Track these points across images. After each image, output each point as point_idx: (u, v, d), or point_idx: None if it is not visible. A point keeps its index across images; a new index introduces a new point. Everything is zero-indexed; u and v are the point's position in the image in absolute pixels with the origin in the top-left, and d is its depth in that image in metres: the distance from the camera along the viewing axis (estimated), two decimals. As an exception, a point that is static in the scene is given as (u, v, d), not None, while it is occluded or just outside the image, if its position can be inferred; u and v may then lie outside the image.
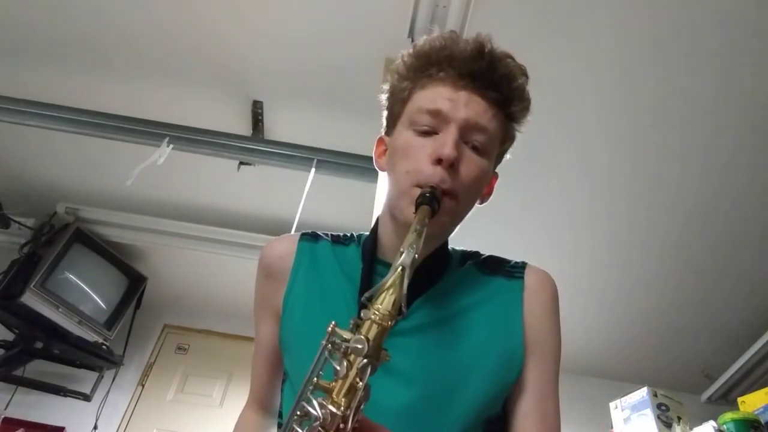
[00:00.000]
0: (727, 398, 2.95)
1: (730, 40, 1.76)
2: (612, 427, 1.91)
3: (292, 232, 2.17)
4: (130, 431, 3.13)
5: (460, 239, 0.83)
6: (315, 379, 0.52)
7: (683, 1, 1.69)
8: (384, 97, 0.84)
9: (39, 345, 2.88)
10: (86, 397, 3.00)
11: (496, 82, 0.75)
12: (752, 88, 1.89)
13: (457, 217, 0.77)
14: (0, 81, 2.27)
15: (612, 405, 1.94)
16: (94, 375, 3.09)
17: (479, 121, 0.74)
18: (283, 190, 2.57)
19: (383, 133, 0.85)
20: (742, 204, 2.30)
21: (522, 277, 0.81)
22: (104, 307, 2.93)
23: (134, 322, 3.21)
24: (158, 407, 3.24)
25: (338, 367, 0.51)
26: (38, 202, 2.85)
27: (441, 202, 0.69)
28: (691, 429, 1.69)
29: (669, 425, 1.73)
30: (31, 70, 2.26)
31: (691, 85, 1.91)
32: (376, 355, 0.51)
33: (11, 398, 2.96)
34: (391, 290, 0.54)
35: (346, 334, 0.52)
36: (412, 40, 1.80)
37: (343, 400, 0.50)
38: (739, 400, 1.72)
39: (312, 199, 2.20)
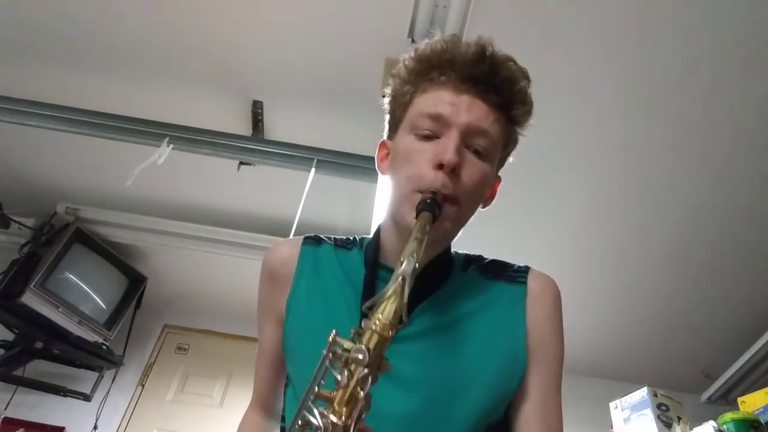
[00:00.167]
0: (727, 398, 2.95)
1: (727, 40, 1.76)
2: (612, 427, 1.91)
3: (293, 231, 2.18)
4: (130, 431, 3.13)
5: (460, 241, 0.83)
6: (316, 388, 0.52)
7: (680, 0, 1.69)
8: (385, 100, 0.83)
9: (39, 345, 2.88)
10: (86, 397, 3.00)
11: (498, 85, 0.75)
12: (750, 88, 1.88)
13: (459, 223, 0.77)
14: (0, 81, 2.27)
15: (612, 405, 1.94)
16: (94, 375, 3.09)
17: (481, 125, 0.73)
18: (283, 190, 2.57)
19: (385, 137, 0.85)
20: (741, 204, 2.30)
21: (525, 282, 0.80)
22: (104, 307, 2.93)
23: (134, 322, 3.21)
24: (158, 407, 3.24)
25: (339, 377, 0.51)
26: (38, 202, 2.85)
27: (442, 208, 0.68)
28: (691, 429, 1.69)
29: (669, 425, 1.73)
30: (32, 70, 2.26)
31: (688, 85, 1.91)
32: (376, 365, 0.51)
33: (11, 398, 2.96)
34: (392, 299, 0.54)
35: (347, 344, 0.52)
36: (412, 40, 1.80)
37: (344, 409, 0.50)
38: (739, 400, 1.72)
39: (312, 199, 2.19)
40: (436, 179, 0.70)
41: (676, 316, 2.94)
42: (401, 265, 0.56)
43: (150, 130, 2.22)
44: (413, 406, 0.70)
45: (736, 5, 1.67)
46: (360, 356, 0.50)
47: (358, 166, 2.22)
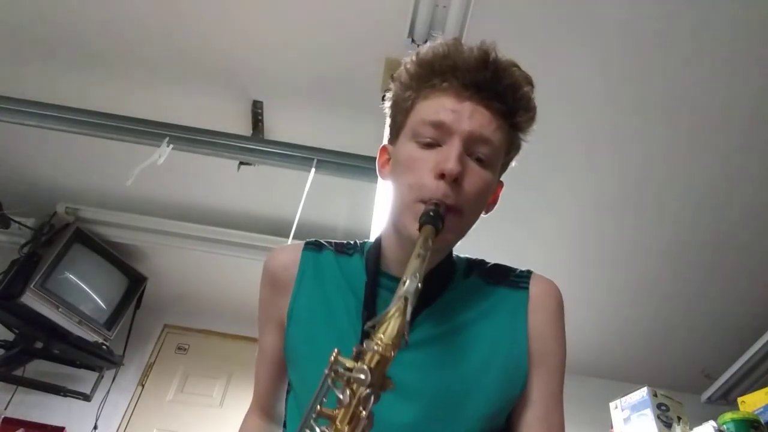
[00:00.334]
0: (727, 398, 2.95)
1: (739, 38, 1.75)
2: (612, 427, 1.91)
3: (293, 231, 2.18)
4: (130, 431, 3.13)
5: (459, 243, 0.82)
6: (318, 407, 0.52)
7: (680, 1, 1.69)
8: (386, 105, 0.82)
9: (39, 345, 2.88)
10: (86, 397, 3.00)
11: (501, 92, 0.73)
12: (749, 87, 1.88)
13: (462, 232, 0.76)
14: (0, 81, 2.26)
15: (612, 405, 1.94)
16: (94, 375, 3.09)
17: (483, 132, 0.72)
18: (283, 190, 2.57)
19: (386, 142, 0.84)
20: (740, 204, 2.30)
21: (527, 288, 0.80)
22: (104, 307, 2.93)
23: (134, 322, 3.21)
24: (158, 407, 3.24)
25: (341, 396, 0.51)
26: (38, 202, 2.85)
27: (444, 220, 0.67)
28: (691, 429, 1.68)
29: (669, 425, 1.73)
30: (32, 70, 2.26)
31: (698, 83, 1.90)
32: (378, 384, 0.51)
33: (11, 398, 2.96)
34: (394, 318, 0.54)
35: (349, 363, 0.52)
36: (413, 41, 1.80)
37: (346, 428, 0.50)
38: (739, 400, 1.72)
39: (312, 199, 2.19)
40: (438, 189, 0.69)
41: (676, 316, 2.94)
42: (404, 285, 0.55)
43: (150, 130, 2.22)
44: (415, 415, 0.70)
45: (734, 3, 1.67)
46: (362, 376, 0.50)
47: (358, 166, 2.22)
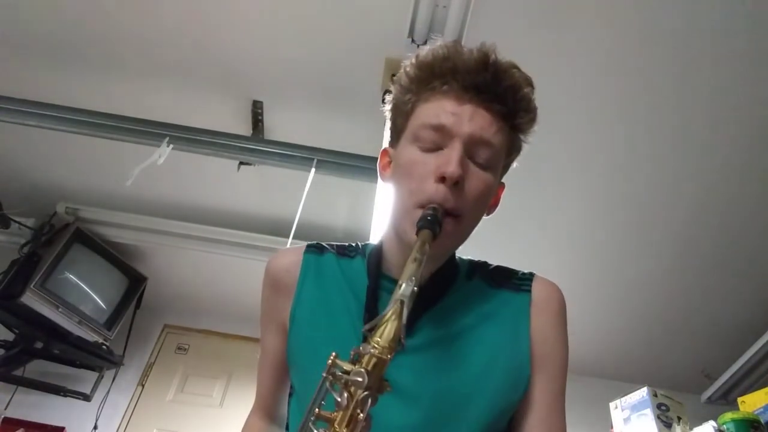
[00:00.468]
0: (727, 398, 2.95)
1: (726, 40, 1.75)
2: (612, 427, 1.91)
3: (293, 231, 2.18)
4: (130, 431, 3.13)
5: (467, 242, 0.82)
6: (317, 409, 0.53)
7: (678, 1, 1.69)
8: (387, 108, 0.82)
9: (39, 345, 2.88)
10: (86, 397, 3.00)
11: (501, 94, 0.73)
12: (752, 88, 1.88)
13: (462, 236, 0.75)
14: (0, 81, 2.26)
15: (612, 405, 1.94)
16: (94, 375, 3.09)
17: (484, 135, 0.72)
18: (283, 190, 2.57)
19: (387, 145, 0.84)
20: (741, 204, 2.30)
21: (529, 290, 0.80)
22: (104, 307, 2.93)
23: (134, 322, 3.21)
24: (158, 407, 3.24)
25: (339, 399, 0.51)
26: (38, 202, 2.85)
27: (443, 224, 0.67)
28: (691, 429, 1.69)
29: (669, 425, 1.73)
30: (32, 70, 2.26)
31: (688, 86, 1.90)
32: (376, 387, 0.52)
33: (11, 398, 2.96)
34: (390, 321, 0.54)
35: (347, 366, 0.53)
36: (412, 40, 1.80)
37: (344, 430, 0.51)
38: (739, 400, 1.72)
39: (312, 199, 2.19)
40: (437, 193, 0.69)
41: (676, 316, 2.94)
42: (400, 288, 0.55)
43: (150, 130, 2.22)
44: (416, 418, 0.70)
45: (736, 7, 1.67)
46: (359, 379, 0.50)
47: (358, 166, 2.21)
